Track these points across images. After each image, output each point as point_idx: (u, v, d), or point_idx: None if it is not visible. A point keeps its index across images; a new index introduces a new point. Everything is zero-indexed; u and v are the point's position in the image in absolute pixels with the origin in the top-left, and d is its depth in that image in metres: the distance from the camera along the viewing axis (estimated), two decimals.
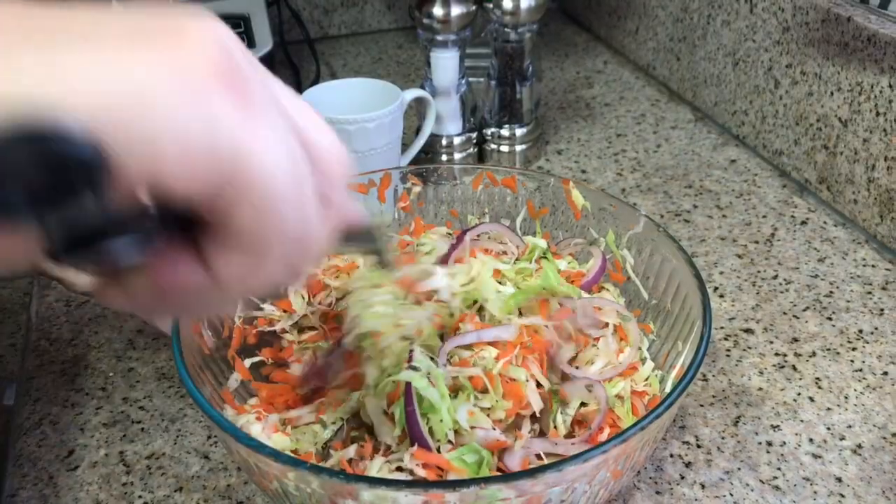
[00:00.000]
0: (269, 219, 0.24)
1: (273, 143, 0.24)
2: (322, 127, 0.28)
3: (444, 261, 0.60)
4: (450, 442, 0.49)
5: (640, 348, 0.58)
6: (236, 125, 0.24)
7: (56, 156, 0.21)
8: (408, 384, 0.50)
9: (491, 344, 0.54)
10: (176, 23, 0.24)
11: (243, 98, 0.24)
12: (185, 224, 0.24)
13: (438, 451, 0.49)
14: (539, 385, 0.53)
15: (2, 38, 0.23)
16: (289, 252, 0.26)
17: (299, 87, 1.11)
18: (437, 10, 0.84)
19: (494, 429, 0.50)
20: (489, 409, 0.51)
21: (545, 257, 0.63)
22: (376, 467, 0.49)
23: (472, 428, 0.50)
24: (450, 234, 0.67)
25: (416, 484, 0.44)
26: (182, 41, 0.24)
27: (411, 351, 0.52)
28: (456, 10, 0.84)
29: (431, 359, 0.53)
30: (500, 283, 0.59)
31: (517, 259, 0.64)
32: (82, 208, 0.21)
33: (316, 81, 1.12)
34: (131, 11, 0.25)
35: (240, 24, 1.04)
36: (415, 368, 0.50)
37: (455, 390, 0.52)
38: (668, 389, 0.55)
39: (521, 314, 0.57)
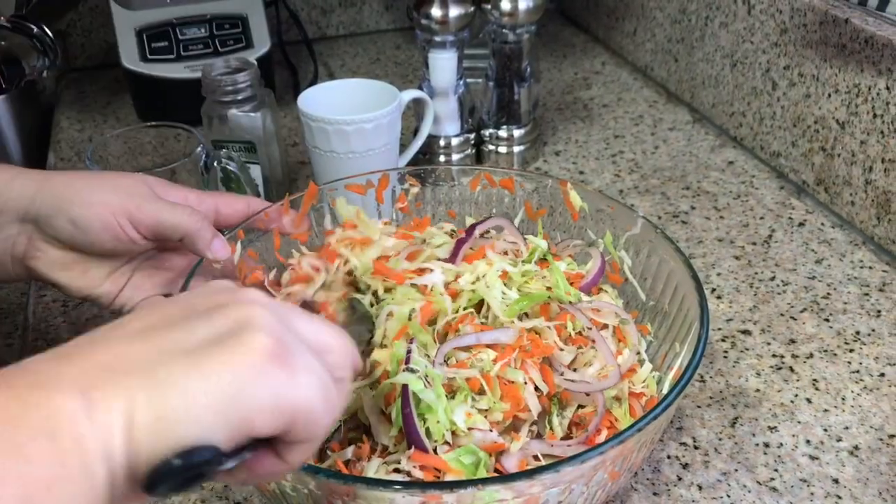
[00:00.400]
0: (313, 427, 0.35)
1: (308, 383, 0.35)
2: (330, 333, 0.39)
3: (452, 256, 0.60)
4: (447, 443, 0.49)
5: (638, 352, 0.58)
6: (288, 387, 0.34)
7: (196, 464, 0.32)
8: (405, 386, 0.49)
9: (490, 346, 0.54)
10: (235, 319, 0.35)
11: (289, 364, 0.34)
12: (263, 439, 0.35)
13: (435, 451, 0.49)
14: (537, 389, 0.53)
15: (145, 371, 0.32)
16: (327, 428, 0.37)
17: (297, 88, 1.11)
18: (436, 11, 0.84)
19: (492, 430, 0.50)
20: (486, 410, 0.51)
21: (545, 258, 0.63)
22: (373, 468, 0.49)
23: (469, 429, 0.50)
24: (454, 230, 0.66)
25: (414, 485, 0.44)
26: (244, 341, 0.34)
27: (409, 352, 0.52)
28: (454, 11, 0.84)
29: (426, 356, 0.53)
30: (505, 284, 0.59)
31: (522, 260, 0.63)
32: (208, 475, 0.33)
33: (314, 82, 1.12)
34: (201, 317, 0.35)
35: (238, 25, 1.04)
36: (412, 370, 0.50)
37: (452, 391, 0.52)
38: (665, 391, 0.55)
39: (521, 317, 0.57)
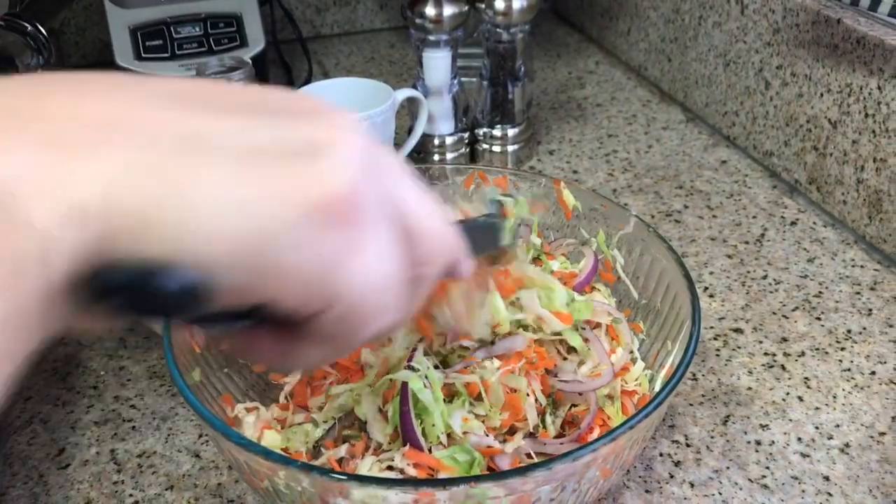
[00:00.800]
0: (353, 324, 0.27)
1: (372, 265, 0.26)
2: (430, 212, 0.29)
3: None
4: (442, 444, 0.50)
5: (631, 351, 0.59)
6: (344, 257, 0.25)
7: (166, 289, 0.23)
8: (404, 384, 0.50)
9: (498, 356, 0.54)
10: (313, 137, 0.25)
11: (356, 228, 0.25)
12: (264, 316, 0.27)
13: (430, 451, 0.49)
14: (537, 400, 0.53)
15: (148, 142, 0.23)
16: (372, 334, 0.28)
17: (291, 86, 1.11)
18: (430, 10, 0.84)
19: (487, 435, 0.50)
20: (484, 416, 0.51)
21: (539, 258, 0.64)
22: (367, 466, 0.49)
23: (464, 433, 0.50)
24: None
25: (406, 482, 0.45)
26: (311, 170, 0.24)
27: (413, 350, 0.52)
28: (448, 11, 0.84)
29: (430, 356, 0.53)
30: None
31: None
32: (189, 312, 0.24)
33: (308, 81, 1.12)
34: (269, 114, 0.25)
35: (232, 23, 1.04)
36: (413, 369, 0.51)
37: (451, 395, 0.52)
38: (657, 389, 0.55)
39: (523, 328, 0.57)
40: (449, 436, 0.50)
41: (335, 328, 0.26)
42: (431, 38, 0.86)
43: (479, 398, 0.52)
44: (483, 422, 0.51)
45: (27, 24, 0.89)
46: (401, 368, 0.51)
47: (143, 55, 1.01)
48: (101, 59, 1.20)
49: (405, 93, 0.85)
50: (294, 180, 0.24)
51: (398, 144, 0.88)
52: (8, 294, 0.20)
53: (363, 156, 0.26)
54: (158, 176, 0.22)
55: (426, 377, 0.50)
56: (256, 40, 1.04)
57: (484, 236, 0.45)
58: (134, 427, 0.61)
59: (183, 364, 0.50)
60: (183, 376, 0.48)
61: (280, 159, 0.24)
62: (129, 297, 0.23)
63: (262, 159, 0.24)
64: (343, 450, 0.52)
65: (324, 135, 0.25)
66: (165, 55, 1.02)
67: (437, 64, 0.87)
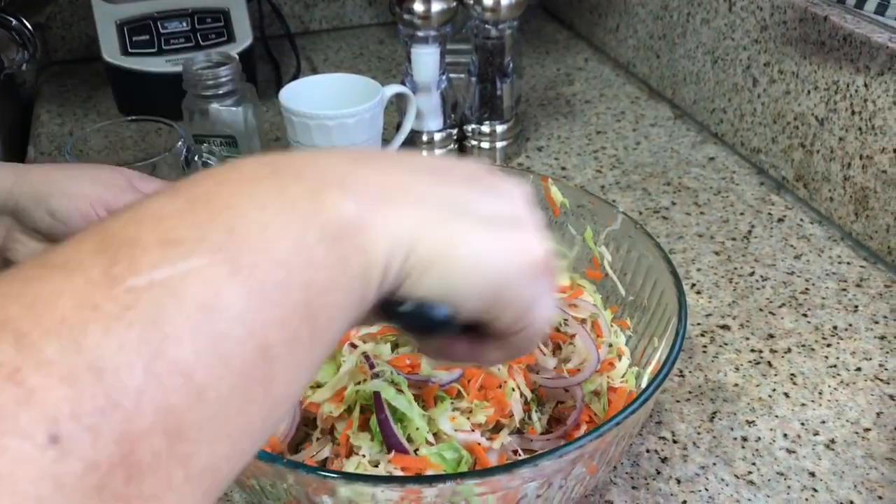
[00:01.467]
0: (529, 340, 0.35)
1: (551, 301, 0.35)
2: (544, 242, 0.36)
3: None
4: (430, 443, 0.50)
5: (611, 344, 0.59)
6: (540, 297, 0.34)
7: (429, 319, 0.31)
8: (376, 393, 0.50)
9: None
10: (516, 214, 0.33)
11: (549, 277, 0.34)
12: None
13: (416, 451, 0.49)
14: (521, 395, 0.53)
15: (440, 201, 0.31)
16: (528, 351, 0.38)
17: (279, 82, 1.11)
18: (418, 6, 0.83)
19: (474, 431, 0.50)
20: (469, 411, 0.51)
21: None
22: (353, 465, 0.49)
23: (455, 431, 0.50)
24: None
25: (393, 479, 0.44)
26: (527, 237, 0.33)
27: (368, 358, 0.52)
28: (436, 7, 0.84)
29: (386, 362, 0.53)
30: None
31: None
32: (445, 332, 0.32)
33: (296, 76, 1.12)
34: (484, 190, 0.33)
35: (219, 19, 1.04)
36: (377, 375, 0.51)
37: (434, 401, 0.52)
38: (644, 385, 0.55)
39: None
40: (436, 434, 0.50)
41: (520, 340, 0.35)
42: (420, 33, 0.86)
43: (458, 396, 0.52)
44: (468, 417, 0.51)
45: (12, 19, 0.88)
46: (360, 379, 0.51)
47: (130, 50, 1.01)
48: (88, 55, 1.19)
49: (393, 89, 0.85)
50: (519, 242, 0.32)
51: (386, 141, 0.87)
52: (354, 295, 0.28)
53: (539, 227, 0.35)
54: (442, 229, 0.30)
55: (393, 381, 0.51)
56: (244, 36, 1.04)
57: None
58: None
59: None
60: None
61: (506, 226, 0.32)
62: (409, 322, 0.31)
63: (495, 225, 0.32)
64: (327, 450, 0.51)
65: (521, 211, 0.34)
66: (152, 50, 1.01)
67: (426, 60, 0.87)
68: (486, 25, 0.88)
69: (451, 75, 0.92)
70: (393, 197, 0.30)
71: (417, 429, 0.49)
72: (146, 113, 0.80)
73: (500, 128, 0.94)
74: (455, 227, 0.30)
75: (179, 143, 0.74)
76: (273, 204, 0.27)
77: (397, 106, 0.91)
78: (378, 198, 0.29)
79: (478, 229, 0.31)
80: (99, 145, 0.77)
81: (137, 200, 0.27)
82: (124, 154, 0.79)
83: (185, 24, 1.02)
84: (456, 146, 0.94)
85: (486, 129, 0.94)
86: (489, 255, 0.31)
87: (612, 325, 0.61)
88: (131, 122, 0.79)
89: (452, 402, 0.51)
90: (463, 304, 0.31)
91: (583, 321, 0.59)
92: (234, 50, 1.00)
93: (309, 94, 0.81)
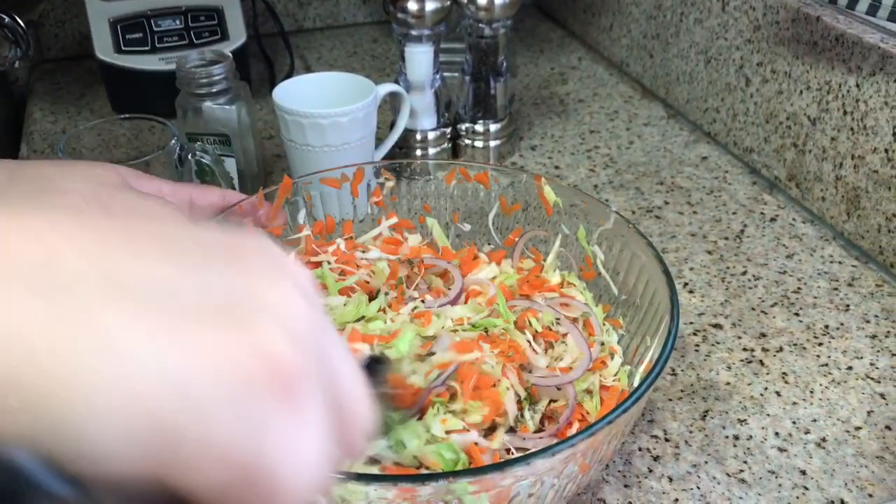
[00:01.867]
0: None
1: (308, 440, 0.22)
2: (362, 392, 0.26)
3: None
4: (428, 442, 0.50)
5: (602, 343, 0.59)
6: (278, 435, 0.21)
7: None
8: None
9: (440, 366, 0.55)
10: (251, 291, 0.22)
11: (296, 404, 0.21)
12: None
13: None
14: (515, 393, 0.54)
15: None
16: None
17: (273, 81, 1.11)
18: (412, 5, 0.84)
19: (469, 431, 0.50)
20: (464, 412, 0.51)
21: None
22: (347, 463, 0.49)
23: (448, 433, 0.50)
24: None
25: (387, 478, 0.45)
26: (252, 330, 0.21)
27: None
28: (430, 6, 0.84)
29: None
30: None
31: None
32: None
33: (290, 75, 1.12)
34: (206, 252, 0.22)
35: (213, 17, 1.04)
36: None
37: (423, 409, 0.52)
38: (636, 384, 0.55)
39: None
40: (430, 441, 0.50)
41: None
42: (413, 32, 0.86)
43: (453, 398, 0.52)
44: (462, 418, 0.51)
45: (5, 16, 0.88)
46: None
47: (123, 48, 1.00)
48: (81, 52, 1.19)
49: (387, 87, 0.85)
50: (232, 340, 0.20)
51: (380, 139, 0.87)
52: None
53: (311, 312, 0.23)
54: (74, 324, 0.19)
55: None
56: (238, 34, 1.04)
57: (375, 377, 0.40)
58: None
59: None
60: None
61: (212, 310, 0.21)
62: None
63: (193, 314, 0.20)
64: None
65: (266, 285, 0.22)
66: (146, 48, 1.01)
67: (420, 59, 0.87)
68: (480, 24, 0.88)
69: (445, 74, 0.92)
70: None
71: (401, 442, 0.49)
72: (139, 111, 0.80)
73: (493, 127, 0.94)
74: (100, 320, 0.19)
75: (173, 141, 0.74)
76: None
77: (391, 105, 0.91)
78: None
79: (146, 322, 0.19)
80: (92, 143, 0.77)
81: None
82: (117, 152, 0.79)
83: (178, 21, 1.02)
84: (450, 145, 0.94)
85: (479, 127, 0.94)
86: (152, 361, 0.19)
87: (604, 324, 0.61)
88: (124, 120, 0.79)
89: (447, 405, 0.52)
90: (99, 456, 0.18)
91: (574, 320, 0.59)
92: (227, 48, 1.00)
93: (303, 93, 0.81)
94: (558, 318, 0.59)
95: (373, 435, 0.27)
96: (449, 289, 0.63)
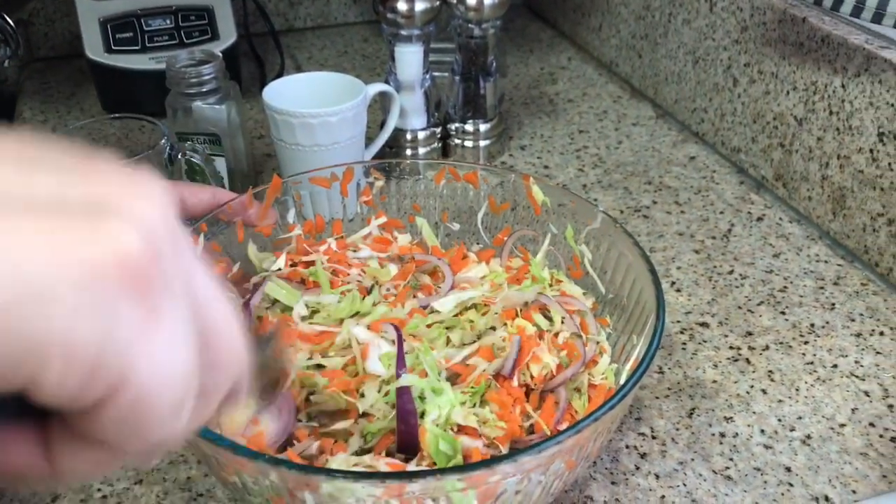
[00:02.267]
0: (134, 426, 0.21)
1: (167, 355, 0.22)
2: (227, 312, 0.25)
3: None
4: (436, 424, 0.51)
5: (597, 342, 0.59)
6: (134, 336, 0.21)
7: None
8: (403, 389, 0.50)
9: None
10: (103, 197, 0.21)
11: (150, 301, 0.21)
12: (28, 406, 0.21)
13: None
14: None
15: None
16: (142, 451, 0.23)
17: (263, 80, 1.11)
18: (401, 5, 0.84)
19: (480, 437, 0.51)
20: (484, 422, 0.52)
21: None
22: (338, 462, 0.50)
23: (459, 429, 0.50)
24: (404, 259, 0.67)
25: (374, 475, 0.45)
26: (102, 226, 0.21)
27: (401, 339, 0.53)
28: (420, 6, 0.84)
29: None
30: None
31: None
32: None
33: (280, 74, 1.12)
34: (61, 165, 0.22)
35: (203, 16, 1.04)
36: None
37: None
38: (622, 381, 0.56)
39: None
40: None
41: (115, 424, 0.21)
42: (403, 32, 0.86)
43: (483, 403, 0.53)
44: (481, 422, 0.51)
45: None
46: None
47: (114, 48, 1.00)
48: (71, 52, 1.18)
49: (377, 87, 0.85)
50: (82, 235, 0.20)
51: (370, 139, 0.88)
52: None
53: (165, 220, 0.22)
54: None
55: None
56: (228, 33, 1.04)
57: (261, 355, 0.40)
58: None
59: None
60: None
61: (56, 211, 0.20)
62: None
63: (31, 212, 0.20)
64: (314, 447, 0.52)
65: (119, 192, 0.22)
66: (136, 48, 1.01)
67: (409, 59, 0.88)
68: (470, 25, 0.89)
69: (435, 74, 0.93)
70: None
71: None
72: (129, 110, 0.80)
73: (483, 126, 0.94)
74: None
75: (163, 140, 0.75)
76: None
77: (381, 104, 0.91)
78: None
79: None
80: (82, 143, 0.77)
81: None
82: (107, 152, 0.79)
83: (168, 21, 1.02)
84: (440, 144, 0.95)
85: (469, 127, 0.94)
86: (2, 264, 0.19)
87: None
88: (114, 120, 0.79)
89: (482, 402, 0.53)
90: None
91: (576, 312, 0.60)
92: (217, 48, 1.00)
93: (293, 92, 0.82)
94: (563, 318, 0.59)
95: (245, 373, 0.27)
96: (440, 287, 0.64)
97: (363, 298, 0.61)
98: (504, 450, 0.51)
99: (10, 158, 0.21)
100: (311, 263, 0.64)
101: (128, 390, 0.21)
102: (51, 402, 0.20)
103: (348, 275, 0.63)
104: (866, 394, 0.64)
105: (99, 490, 0.56)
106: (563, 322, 0.59)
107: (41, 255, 0.19)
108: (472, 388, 0.53)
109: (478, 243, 0.70)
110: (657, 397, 0.64)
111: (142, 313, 0.21)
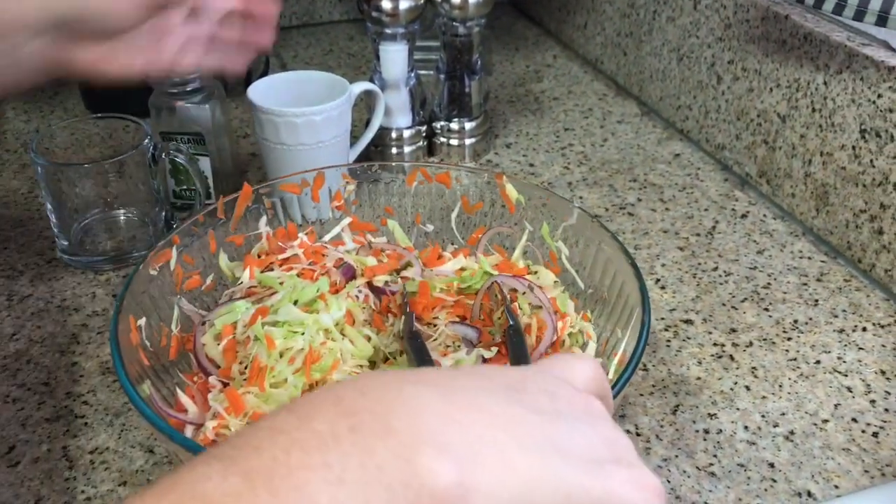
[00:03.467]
0: None
1: None
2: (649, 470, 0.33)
3: None
4: None
5: (581, 331, 0.60)
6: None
7: None
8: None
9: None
10: (616, 441, 0.31)
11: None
12: None
13: None
14: None
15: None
16: None
17: (249, 79, 1.10)
18: (386, 4, 0.84)
19: None
20: None
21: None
22: None
23: None
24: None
25: None
26: (638, 473, 0.30)
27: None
28: (404, 4, 0.84)
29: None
30: None
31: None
32: None
33: (265, 73, 1.11)
34: (572, 422, 0.29)
35: None
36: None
37: None
38: (610, 376, 0.56)
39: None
40: None
41: None
42: (388, 31, 0.86)
43: None
44: None
45: None
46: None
47: None
48: None
49: (361, 86, 0.85)
50: (636, 482, 0.29)
51: (355, 137, 0.88)
52: None
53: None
54: (551, 483, 0.26)
55: None
56: None
57: None
58: (86, 423, 0.61)
59: (133, 372, 0.50)
60: (130, 379, 0.47)
61: (612, 462, 0.29)
62: None
63: (602, 464, 0.28)
64: None
65: (613, 435, 0.30)
66: None
67: (394, 57, 0.87)
68: (454, 23, 0.89)
69: (420, 72, 0.92)
70: (493, 445, 0.26)
71: None
72: (113, 110, 0.80)
73: (468, 125, 0.94)
74: (565, 478, 0.27)
75: (146, 140, 0.74)
76: (353, 475, 0.23)
77: (366, 103, 0.91)
78: (477, 452, 0.25)
79: (589, 475, 0.28)
80: (65, 142, 0.77)
81: (179, 469, 0.23)
82: (91, 151, 0.78)
83: None
84: (425, 143, 0.94)
85: (454, 126, 0.94)
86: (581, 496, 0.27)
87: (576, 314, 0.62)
88: (98, 119, 0.78)
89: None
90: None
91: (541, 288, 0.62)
92: None
93: (277, 91, 0.81)
94: (539, 305, 0.60)
95: None
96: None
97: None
98: None
99: (537, 399, 0.30)
100: (288, 260, 0.64)
101: None
102: None
103: (326, 267, 0.63)
104: (849, 389, 0.64)
105: (83, 492, 0.55)
106: (524, 294, 0.60)
107: (627, 499, 0.29)
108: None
109: (452, 244, 0.70)
110: (641, 394, 0.64)
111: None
